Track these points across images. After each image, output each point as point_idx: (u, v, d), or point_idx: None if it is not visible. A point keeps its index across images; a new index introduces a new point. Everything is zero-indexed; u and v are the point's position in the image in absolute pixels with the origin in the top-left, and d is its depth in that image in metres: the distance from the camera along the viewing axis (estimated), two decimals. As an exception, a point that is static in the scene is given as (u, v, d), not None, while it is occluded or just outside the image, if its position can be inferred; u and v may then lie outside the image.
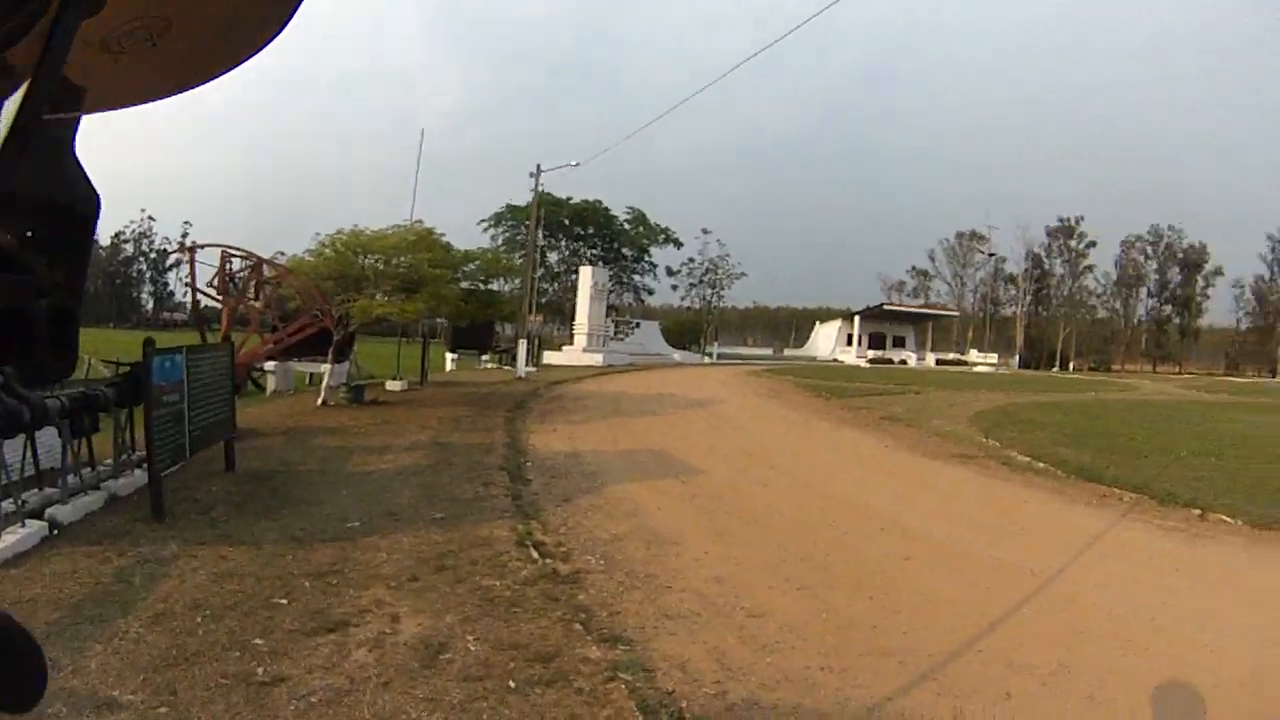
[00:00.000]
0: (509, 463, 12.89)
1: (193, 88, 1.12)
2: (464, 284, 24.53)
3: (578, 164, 39.20)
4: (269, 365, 24.11)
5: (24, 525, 8.42)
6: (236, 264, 18.51)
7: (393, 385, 25.29)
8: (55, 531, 8.61)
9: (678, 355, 61.93)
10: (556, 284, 74.96)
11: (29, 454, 9.30)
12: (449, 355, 40.09)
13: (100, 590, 6.89)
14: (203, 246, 19.47)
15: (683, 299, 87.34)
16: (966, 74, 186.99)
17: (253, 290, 19.07)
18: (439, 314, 24.90)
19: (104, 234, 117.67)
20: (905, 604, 7.33)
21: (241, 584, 7.06)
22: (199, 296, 19.80)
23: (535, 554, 7.99)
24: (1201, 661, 6.34)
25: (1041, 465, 15.15)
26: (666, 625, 6.53)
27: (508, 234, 70.51)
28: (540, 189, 40.93)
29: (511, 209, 70.17)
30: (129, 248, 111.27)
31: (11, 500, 9.10)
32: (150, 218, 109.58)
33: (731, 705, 5.23)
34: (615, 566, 7.90)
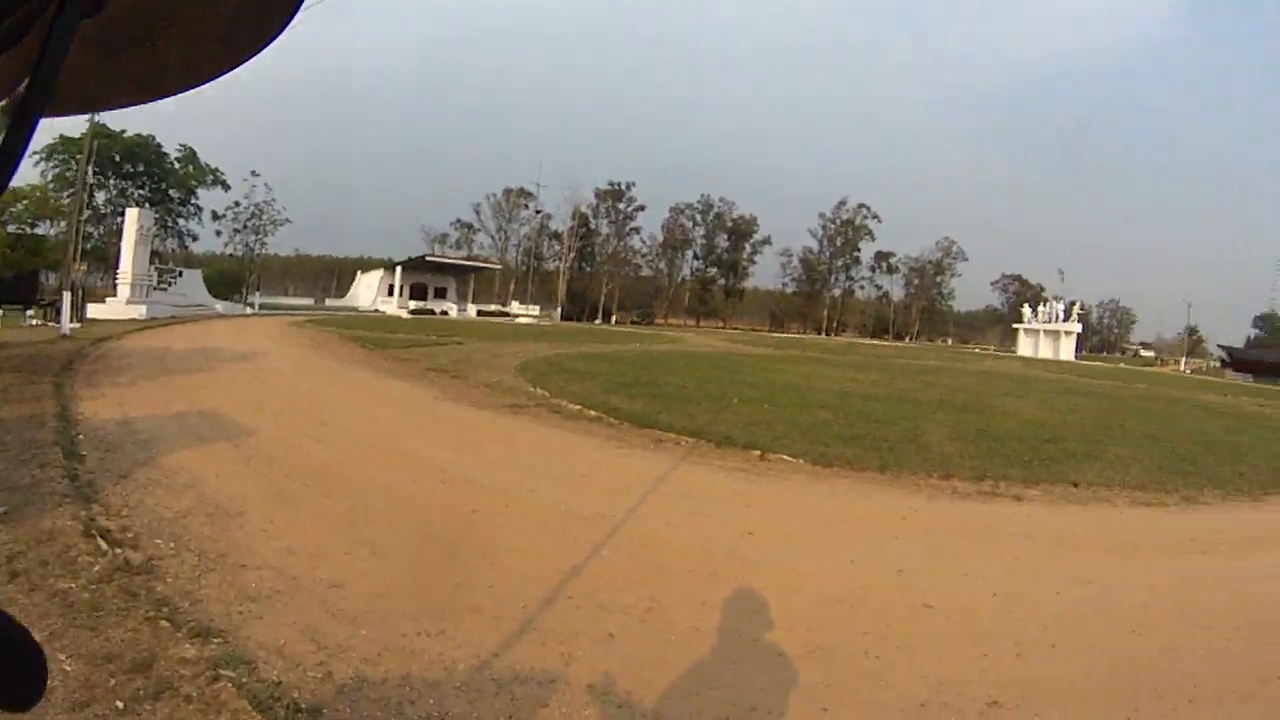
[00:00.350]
0: (62, 437, 11.62)
1: (192, 87, 1.12)
2: (10, 228, 21.28)
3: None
4: None
5: None
6: None
7: None
8: None
9: (220, 306, 57.67)
10: (102, 227, 66.32)
11: None
12: (-7, 313, 34.13)
13: None
14: None
15: (226, 245, 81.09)
16: (527, 43, 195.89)
17: None
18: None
19: None
20: (483, 557, 7.41)
21: None
22: None
23: (104, 544, 7.28)
24: (793, 586, 6.98)
25: (594, 413, 15.51)
26: (252, 609, 6.20)
27: (58, 170, 61.04)
28: (95, 119, 36.50)
29: (65, 140, 60.62)
30: None
31: None
32: None
33: (341, 686, 5.10)
34: (185, 548, 7.39)
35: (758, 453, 12.48)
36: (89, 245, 57.92)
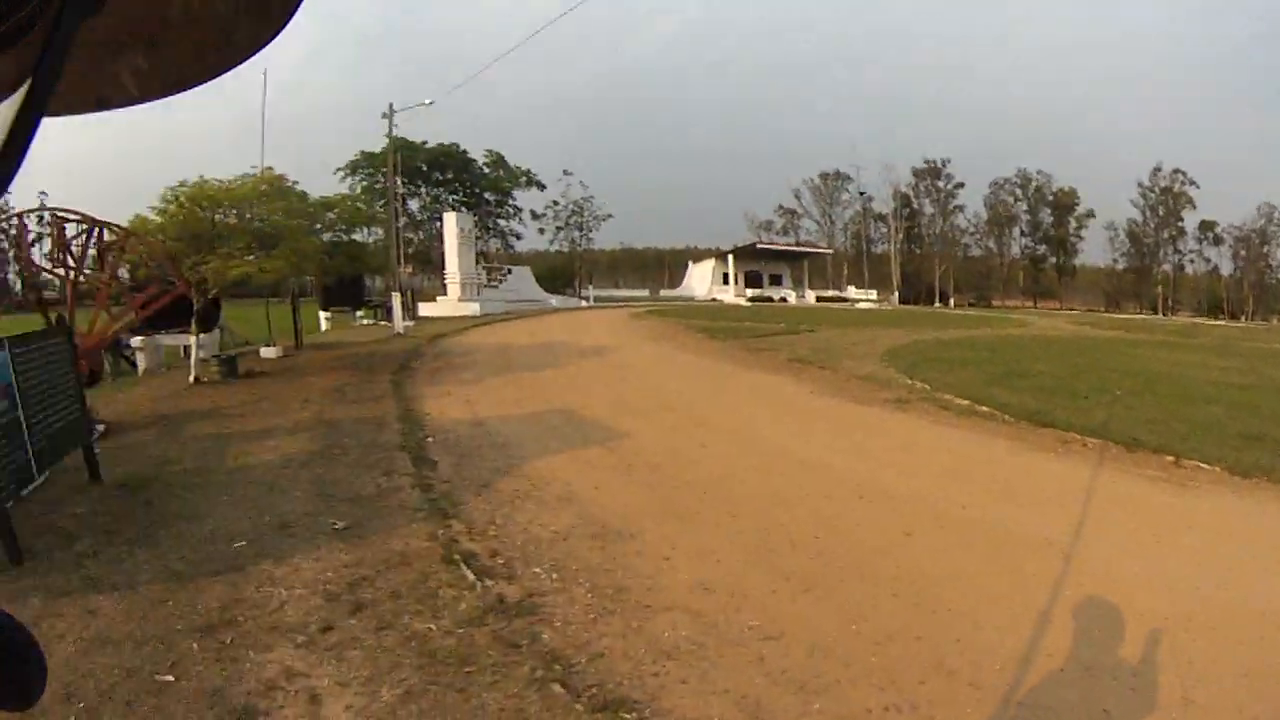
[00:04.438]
0: (408, 440, 11.39)
1: (193, 87, 1.10)
2: (326, 236, 22.34)
3: (432, 102, 37.70)
4: (136, 341, 21.60)
5: None
6: (71, 229, 15.67)
7: (267, 352, 23.16)
8: None
9: (554, 300, 60.42)
10: (421, 232, 71.61)
11: None
12: (322, 314, 37.50)
13: None
14: (25, 212, 16.48)
15: (551, 243, 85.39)
16: (820, 15, 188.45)
17: (97, 259, 16.35)
18: (303, 271, 22.60)
19: None
20: (936, 598, 6.16)
21: (118, 654, 5.65)
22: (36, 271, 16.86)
23: (470, 574, 6.60)
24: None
25: (984, 409, 14.12)
26: (670, 670, 5.09)
27: (365, 182, 66.59)
28: (395, 133, 38.64)
29: (367, 155, 66.22)
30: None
31: None
32: (41, 194, 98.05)
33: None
34: (572, 580, 6.50)
35: (1170, 458, 10.70)
36: (410, 249, 62.62)
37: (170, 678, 5.25)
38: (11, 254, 18.23)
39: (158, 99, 1.10)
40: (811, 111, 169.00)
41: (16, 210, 16.40)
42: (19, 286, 16.17)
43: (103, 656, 5.64)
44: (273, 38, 1.02)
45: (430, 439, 11.61)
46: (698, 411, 13.70)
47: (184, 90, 1.09)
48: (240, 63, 1.05)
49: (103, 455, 11.12)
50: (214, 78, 1.08)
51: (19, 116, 0.75)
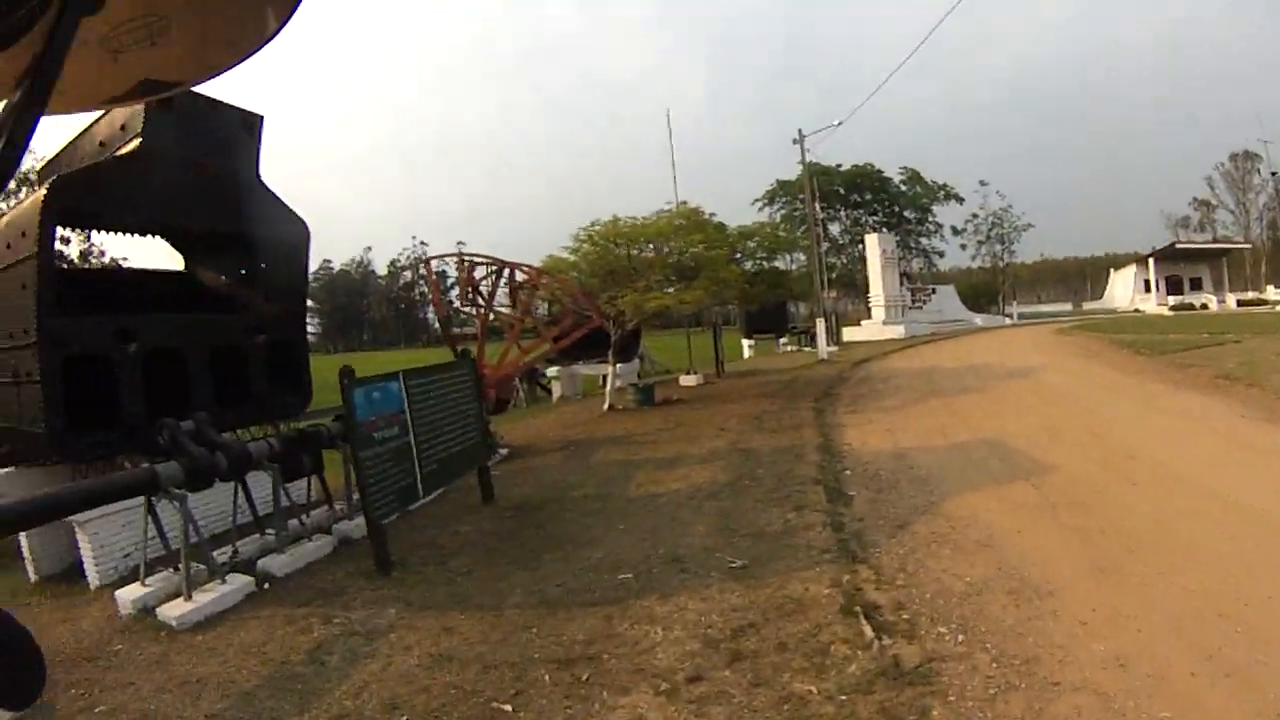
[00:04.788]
0: (824, 472, 10.08)
1: (192, 85, 1.21)
2: (747, 264, 21.91)
3: (840, 123, 36.33)
4: (552, 371, 22.93)
5: (224, 582, 7.25)
6: (480, 271, 16.82)
7: (686, 380, 23.14)
8: (265, 586, 7.45)
9: (979, 319, 56.06)
10: (843, 256, 70.62)
11: (243, 500, 8.42)
12: (745, 342, 37.51)
13: (285, 673, 5.59)
14: (436, 257, 18.09)
15: (973, 258, 79.69)
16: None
17: (508, 297, 17.43)
18: (724, 299, 22.42)
19: (379, 263, 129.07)
20: None
21: (461, 674, 5.26)
22: (454, 309, 18.48)
23: (868, 630, 5.26)
24: None
25: None
26: None
27: (783, 210, 67.10)
28: (808, 158, 37.98)
29: (782, 184, 66.62)
30: (407, 274, 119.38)
31: (226, 550, 8.34)
32: (422, 242, 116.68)
33: None
34: (978, 644, 5.05)
35: None
36: (833, 274, 61.86)
37: (508, 707, 4.72)
38: (431, 295, 20.18)
39: (158, 97, 1.31)
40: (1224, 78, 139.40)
41: (429, 256, 18.14)
42: (439, 324, 17.69)
43: (444, 674, 5.24)
44: (273, 37, 1.08)
45: (848, 471, 10.28)
46: (1127, 440, 10.87)
47: (184, 89, 1.25)
48: (240, 61, 1.15)
49: (503, 477, 11.25)
50: (213, 77, 1.20)
51: (19, 114, 0.85)
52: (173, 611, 6.72)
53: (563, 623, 5.91)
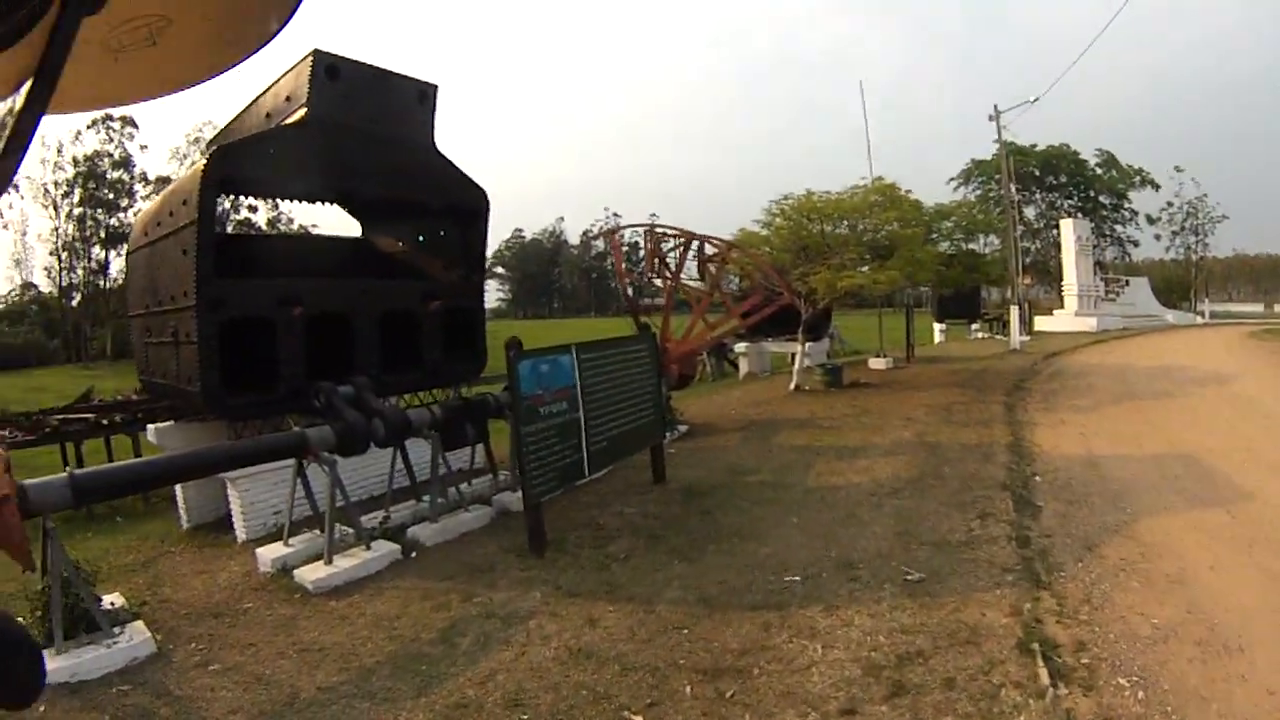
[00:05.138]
0: (1013, 476, 8.91)
1: (193, 86, 1.17)
2: (943, 246, 20.28)
3: (1035, 99, 33.19)
4: (740, 347, 22.21)
5: (368, 548, 7.04)
6: (669, 243, 16.09)
7: (875, 364, 21.86)
8: (413, 554, 7.19)
9: (1170, 315, 50.46)
10: (1038, 241, 65.68)
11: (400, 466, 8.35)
12: (936, 326, 35.53)
13: (411, 651, 5.29)
14: (625, 228, 17.50)
15: (1166, 249, 72.00)
16: None
17: (697, 271, 16.68)
18: (917, 281, 20.81)
19: (573, 233, 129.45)
20: None
21: (597, 673, 4.78)
22: (639, 281, 17.82)
23: (1045, 673, 4.43)
24: None
25: None
26: None
27: (979, 191, 62.77)
28: (1003, 137, 35.15)
29: (978, 163, 62.12)
30: (599, 244, 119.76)
31: (378, 515, 8.11)
32: (615, 214, 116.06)
33: None
34: (1158, 706, 4.19)
35: None
36: (1026, 259, 57.78)
37: (638, 718, 4.24)
38: (617, 265, 19.51)
39: (159, 97, 1.18)
40: None
41: (613, 226, 17.50)
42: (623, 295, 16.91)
43: (578, 672, 4.78)
44: (273, 36, 1.07)
45: (1037, 477, 9.08)
46: (1333, 466, 9.07)
47: (185, 88, 1.16)
48: (240, 61, 1.11)
49: (678, 456, 10.63)
50: (214, 76, 1.14)
51: (22, 114, 0.82)
52: (310, 574, 6.54)
53: (717, 626, 5.30)
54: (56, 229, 51.16)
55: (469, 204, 10.42)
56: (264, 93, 9.38)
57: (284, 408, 8.39)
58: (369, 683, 4.75)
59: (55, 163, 51.23)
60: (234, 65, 1.19)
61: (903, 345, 24.51)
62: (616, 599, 5.78)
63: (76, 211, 50.89)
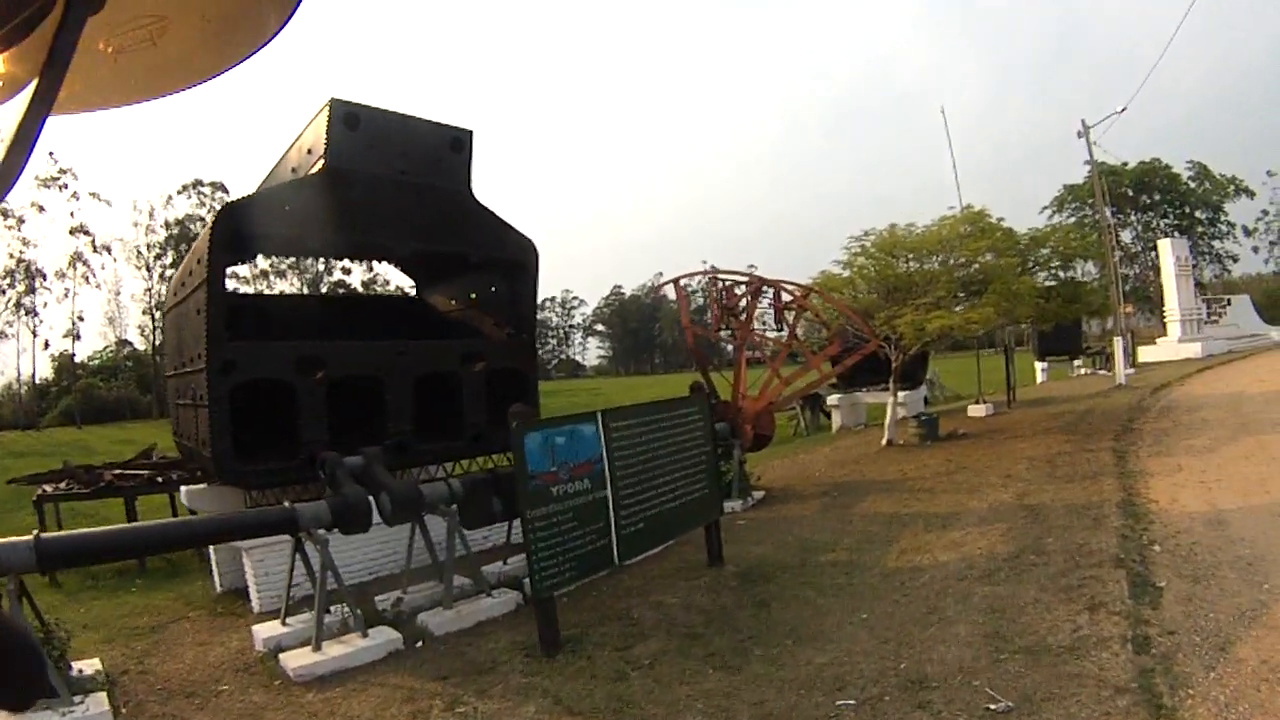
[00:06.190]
0: (1126, 546, 7.33)
1: (193, 86, 1.15)
2: (1040, 276, 18.54)
3: (1123, 109, 30.97)
4: (833, 399, 20.97)
5: (365, 635, 6.23)
6: (739, 290, 14.81)
7: (974, 410, 20.02)
8: (418, 644, 6.32)
9: (1276, 333, 46.36)
10: (1136, 266, 61.67)
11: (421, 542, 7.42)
12: (1038, 365, 33.10)
13: None
14: (685, 276, 16.19)
15: (1266, 262, 66.56)
16: None
17: (773, 318, 15.36)
18: (1014, 317, 19.05)
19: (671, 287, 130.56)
20: None
21: None
22: (706, 334, 16.45)
23: None
24: None
25: None
26: None
27: (1072, 218, 59.39)
28: (1094, 154, 32.77)
29: (1069, 188, 58.34)
30: (699, 298, 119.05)
31: (392, 596, 7.33)
32: (712, 266, 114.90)
33: None
34: None
35: None
36: (1126, 286, 54.50)
37: None
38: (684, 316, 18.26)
39: (160, 97, 1.13)
40: None
41: (672, 277, 16.27)
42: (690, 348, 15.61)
43: None
44: (274, 36, 1.03)
45: (1156, 546, 7.44)
46: None
47: (187, 88, 1.12)
48: (240, 61, 1.07)
49: (746, 529, 9.52)
50: (214, 77, 1.10)
51: (26, 114, 0.77)
52: (294, 661, 5.84)
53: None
54: (149, 289, 53.31)
55: (514, 256, 9.65)
56: (290, 148, 8.88)
57: (300, 476, 7.67)
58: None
59: (148, 226, 53.91)
60: (234, 65, 1.17)
61: (1003, 388, 22.57)
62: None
63: (169, 273, 52.84)
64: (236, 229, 7.67)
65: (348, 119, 7.86)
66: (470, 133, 9.06)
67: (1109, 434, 14.49)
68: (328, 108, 7.84)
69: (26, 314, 49.59)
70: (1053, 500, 9.57)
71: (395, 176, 8.33)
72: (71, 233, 50.22)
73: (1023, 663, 5.10)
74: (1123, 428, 15.15)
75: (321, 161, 7.87)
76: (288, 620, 6.54)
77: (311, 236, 8.74)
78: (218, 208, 9.27)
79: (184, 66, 1.18)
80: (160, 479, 11.14)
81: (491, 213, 9.38)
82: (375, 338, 9.39)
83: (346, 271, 56.05)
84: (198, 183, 54.93)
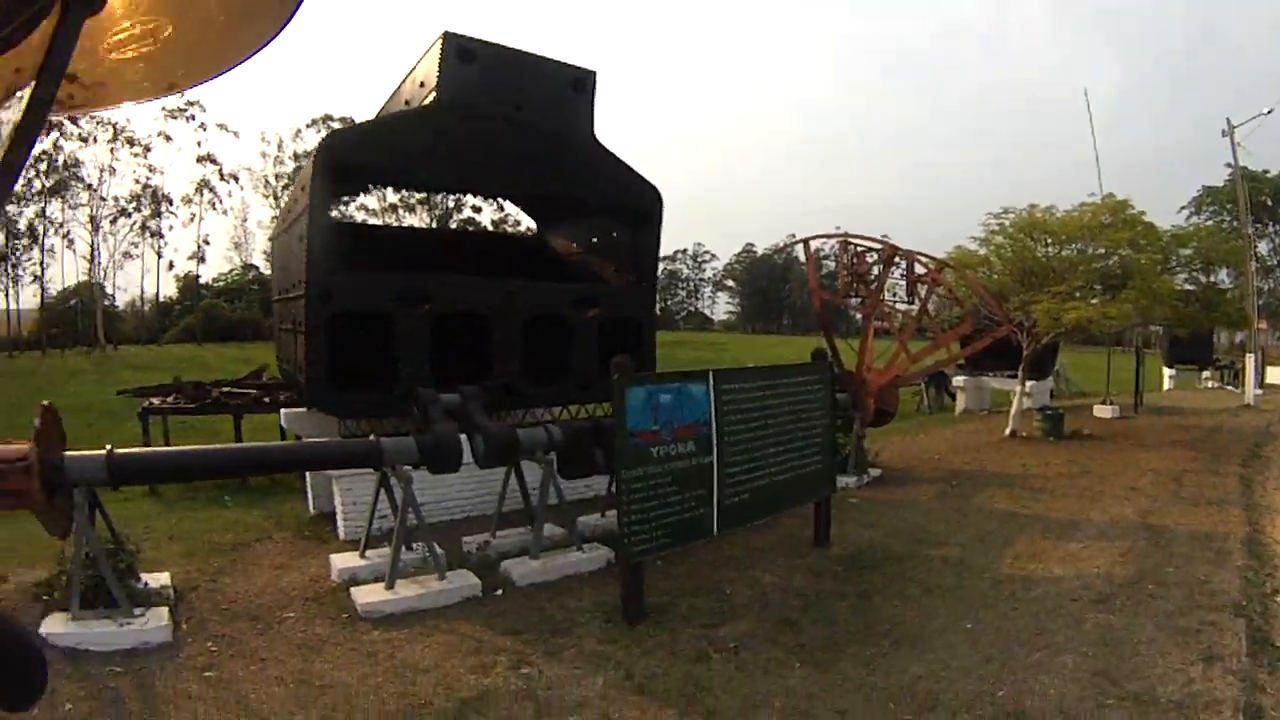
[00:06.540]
0: (1249, 591, 6.55)
1: (193, 86, 1.17)
2: (1180, 277, 17.19)
3: (1269, 110, 28.39)
4: (959, 380, 20.25)
5: (443, 578, 6.01)
6: (870, 258, 13.89)
7: (1100, 411, 18.97)
8: (497, 592, 6.16)
9: None
10: (1271, 280, 57.48)
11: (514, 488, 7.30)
12: (1166, 371, 31.11)
13: None
14: (815, 237, 15.28)
15: None
16: None
17: (906, 292, 14.43)
18: (1151, 318, 17.78)
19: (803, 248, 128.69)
20: None
21: None
22: (834, 300, 15.59)
23: None
24: None
25: None
26: None
27: (1210, 222, 55.57)
28: (1237, 159, 30.40)
29: (1209, 190, 54.44)
30: (829, 263, 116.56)
31: (479, 539, 7.16)
32: (845, 232, 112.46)
33: None
34: None
35: None
36: (1259, 300, 50.91)
37: None
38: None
39: (160, 97, 1.14)
40: None
41: (803, 237, 15.42)
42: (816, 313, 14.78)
43: None
44: (274, 36, 1.03)
45: (1279, 597, 6.62)
46: None
47: (185, 89, 1.17)
48: (241, 61, 1.06)
49: (857, 509, 9.09)
50: (214, 77, 1.11)
51: (25, 114, 0.79)
52: (364, 597, 5.67)
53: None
54: (274, 217, 54.41)
55: (637, 204, 9.25)
56: (404, 79, 8.68)
57: (395, 409, 7.51)
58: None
59: (276, 157, 55.36)
60: (234, 65, 1.17)
61: (1130, 390, 21.24)
62: (691, 713, 4.29)
63: (296, 203, 54.13)
64: (341, 159, 7.52)
65: (461, 53, 7.59)
66: (593, 73, 8.69)
67: (1236, 457, 13.39)
68: (441, 40, 7.59)
69: (152, 236, 52.00)
70: (1177, 524, 8.77)
71: (509, 113, 8.03)
72: (199, 160, 52.37)
73: (1128, 713, 4.46)
74: (1251, 452, 13.97)
75: (433, 94, 7.64)
76: (366, 553, 6.39)
77: (418, 170, 8.53)
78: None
79: (184, 66, 1.19)
80: (267, 399, 11.22)
81: (615, 157, 9.01)
82: (492, 275, 9.24)
83: (476, 210, 56.43)
84: (328, 117, 56.17)
